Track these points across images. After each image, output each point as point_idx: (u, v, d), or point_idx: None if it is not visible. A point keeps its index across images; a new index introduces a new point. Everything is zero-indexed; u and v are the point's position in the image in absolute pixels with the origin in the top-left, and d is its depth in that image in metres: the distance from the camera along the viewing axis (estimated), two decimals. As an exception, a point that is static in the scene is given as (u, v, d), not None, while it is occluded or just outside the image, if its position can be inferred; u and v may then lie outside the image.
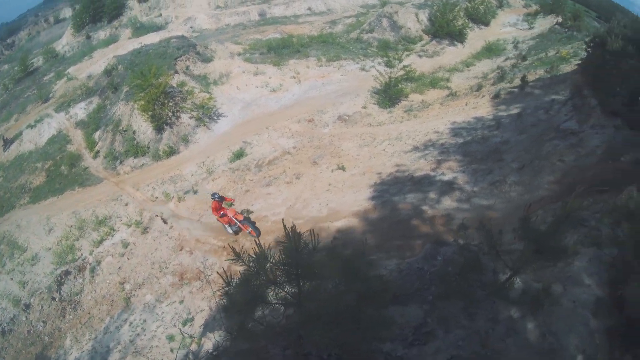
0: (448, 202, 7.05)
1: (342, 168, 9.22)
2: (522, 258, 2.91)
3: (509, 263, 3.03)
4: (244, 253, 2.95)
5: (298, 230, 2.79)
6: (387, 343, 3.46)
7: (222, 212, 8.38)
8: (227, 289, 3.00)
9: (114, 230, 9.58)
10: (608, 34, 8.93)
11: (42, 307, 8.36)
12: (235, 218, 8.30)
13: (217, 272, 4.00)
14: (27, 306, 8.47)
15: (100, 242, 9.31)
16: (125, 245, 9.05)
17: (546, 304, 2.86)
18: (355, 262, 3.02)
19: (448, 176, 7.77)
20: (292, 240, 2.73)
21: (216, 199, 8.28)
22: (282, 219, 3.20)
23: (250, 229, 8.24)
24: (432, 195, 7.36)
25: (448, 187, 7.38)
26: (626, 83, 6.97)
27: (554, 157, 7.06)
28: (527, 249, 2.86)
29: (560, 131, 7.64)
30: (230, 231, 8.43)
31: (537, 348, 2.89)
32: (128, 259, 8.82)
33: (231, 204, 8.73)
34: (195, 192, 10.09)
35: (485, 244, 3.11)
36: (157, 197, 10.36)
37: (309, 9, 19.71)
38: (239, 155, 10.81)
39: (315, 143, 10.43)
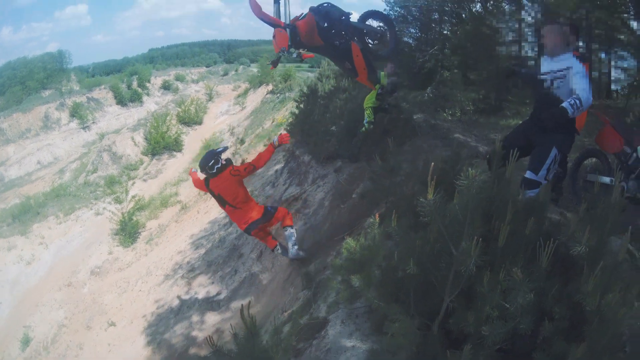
0: (213, 318, 7.45)
1: (113, 324, 10.09)
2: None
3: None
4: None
5: None
6: None
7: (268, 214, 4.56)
8: None
9: None
10: (318, 79, 8.67)
11: None
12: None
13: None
14: None
15: None
16: None
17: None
18: None
19: (201, 293, 8.46)
20: None
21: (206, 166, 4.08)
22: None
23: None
24: (195, 318, 7.76)
25: (206, 304, 7.83)
26: (341, 118, 6.58)
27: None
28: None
29: (283, 202, 7.57)
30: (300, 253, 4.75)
31: None
32: None
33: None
34: (8, 399, 10.17)
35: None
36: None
37: (39, 162, 19.94)
38: (26, 342, 11.11)
39: (81, 307, 11.62)
